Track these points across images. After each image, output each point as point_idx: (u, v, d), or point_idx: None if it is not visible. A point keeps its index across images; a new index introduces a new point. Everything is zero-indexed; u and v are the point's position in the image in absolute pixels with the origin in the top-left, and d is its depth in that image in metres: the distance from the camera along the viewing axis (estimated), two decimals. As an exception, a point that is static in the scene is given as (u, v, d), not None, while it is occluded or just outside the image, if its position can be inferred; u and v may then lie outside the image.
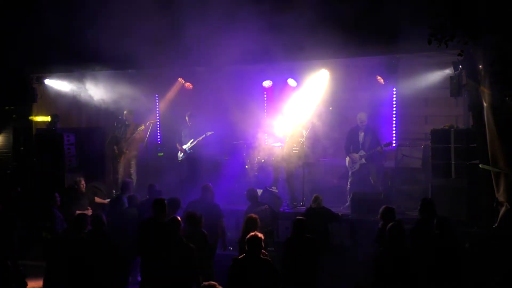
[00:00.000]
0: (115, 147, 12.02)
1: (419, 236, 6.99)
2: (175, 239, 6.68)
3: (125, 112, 12.18)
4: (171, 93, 12.61)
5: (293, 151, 10.73)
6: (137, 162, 12.20)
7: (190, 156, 11.83)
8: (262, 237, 6.27)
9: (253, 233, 6.28)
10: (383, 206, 7.66)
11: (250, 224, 7.16)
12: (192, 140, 11.82)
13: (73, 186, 10.19)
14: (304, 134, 10.67)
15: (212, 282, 4.98)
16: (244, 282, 6.14)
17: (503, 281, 6.95)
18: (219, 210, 8.84)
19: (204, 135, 11.75)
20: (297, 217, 7.51)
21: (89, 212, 10.05)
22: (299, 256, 6.97)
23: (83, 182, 10.14)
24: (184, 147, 11.92)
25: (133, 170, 12.09)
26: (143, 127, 12.00)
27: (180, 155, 12.00)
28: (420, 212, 7.60)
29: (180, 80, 12.20)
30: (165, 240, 6.75)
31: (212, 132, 11.80)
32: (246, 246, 6.24)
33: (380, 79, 10.73)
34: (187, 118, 12.00)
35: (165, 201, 7.74)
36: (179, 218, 6.97)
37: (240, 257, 6.35)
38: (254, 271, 6.13)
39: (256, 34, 9.30)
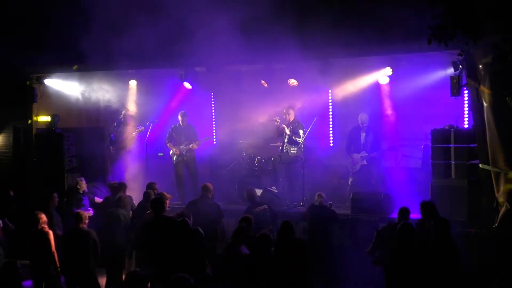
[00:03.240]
0: (112, 147, 12.03)
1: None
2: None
3: (123, 112, 12.18)
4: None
5: (292, 151, 10.74)
6: (137, 162, 12.19)
7: (187, 158, 11.64)
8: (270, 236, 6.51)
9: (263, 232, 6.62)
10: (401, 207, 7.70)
11: (245, 224, 7.18)
12: (187, 142, 11.62)
13: (74, 186, 10.20)
14: (301, 134, 10.66)
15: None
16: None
17: (503, 281, 6.96)
18: (219, 209, 8.85)
19: (202, 140, 11.65)
20: (284, 220, 7.43)
21: (90, 212, 10.07)
22: (289, 259, 6.86)
23: (84, 182, 10.15)
24: (179, 147, 11.64)
25: (130, 170, 12.06)
26: (142, 129, 11.97)
27: (174, 156, 11.70)
28: (423, 215, 7.64)
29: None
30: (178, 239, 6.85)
31: (209, 138, 11.69)
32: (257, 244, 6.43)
33: (380, 79, 10.74)
34: (180, 118, 11.77)
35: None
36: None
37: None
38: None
39: (256, 35, 9.31)
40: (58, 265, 7.72)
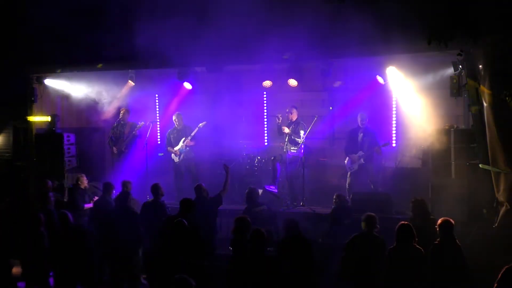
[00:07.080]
0: (112, 147, 12.03)
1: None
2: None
3: (121, 111, 12.19)
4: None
5: (291, 150, 10.74)
6: (137, 162, 12.18)
7: (187, 158, 11.67)
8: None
9: (257, 229, 6.48)
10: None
11: (241, 224, 7.16)
12: (184, 138, 11.64)
13: (75, 184, 10.20)
14: (302, 134, 10.66)
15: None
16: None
17: (503, 281, 6.94)
18: (218, 201, 8.83)
19: (197, 128, 11.60)
20: (289, 218, 7.44)
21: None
22: (296, 258, 6.86)
23: (85, 178, 10.14)
24: (176, 148, 11.70)
25: (130, 170, 12.03)
26: (142, 123, 11.94)
27: (176, 158, 11.77)
28: (414, 213, 7.66)
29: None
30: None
31: (205, 123, 11.59)
32: (251, 242, 6.37)
33: (380, 79, 10.74)
34: (175, 119, 11.81)
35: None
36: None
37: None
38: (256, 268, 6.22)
39: (256, 35, 9.31)
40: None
